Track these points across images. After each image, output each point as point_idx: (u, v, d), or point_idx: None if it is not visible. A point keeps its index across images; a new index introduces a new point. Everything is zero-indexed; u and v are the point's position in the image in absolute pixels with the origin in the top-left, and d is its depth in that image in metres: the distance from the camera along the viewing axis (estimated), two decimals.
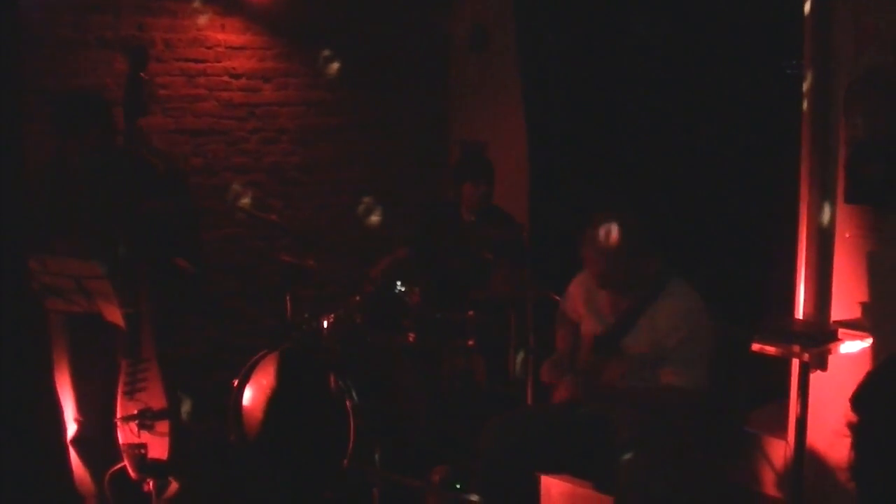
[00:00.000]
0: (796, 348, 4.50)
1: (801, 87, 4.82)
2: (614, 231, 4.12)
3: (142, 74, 4.50)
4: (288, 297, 5.34)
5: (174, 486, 4.48)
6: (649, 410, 4.07)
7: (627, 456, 3.92)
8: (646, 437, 3.96)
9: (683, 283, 4.18)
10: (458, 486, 4.39)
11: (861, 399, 2.00)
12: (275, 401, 5.11)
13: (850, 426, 1.98)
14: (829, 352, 4.58)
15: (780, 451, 4.97)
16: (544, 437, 4.14)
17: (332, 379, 5.03)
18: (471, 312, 5.39)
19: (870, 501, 1.97)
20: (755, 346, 4.46)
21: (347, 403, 4.90)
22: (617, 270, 4.17)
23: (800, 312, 4.87)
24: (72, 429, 4.59)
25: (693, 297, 4.14)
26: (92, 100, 4.82)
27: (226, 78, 6.23)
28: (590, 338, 4.28)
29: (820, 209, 4.76)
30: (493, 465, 4.09)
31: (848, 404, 2.07)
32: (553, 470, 4.31)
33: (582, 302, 4.42)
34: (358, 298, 5.41)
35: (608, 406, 4.15)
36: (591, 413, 4.17)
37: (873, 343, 4.53)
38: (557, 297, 4.79)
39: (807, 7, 4.73)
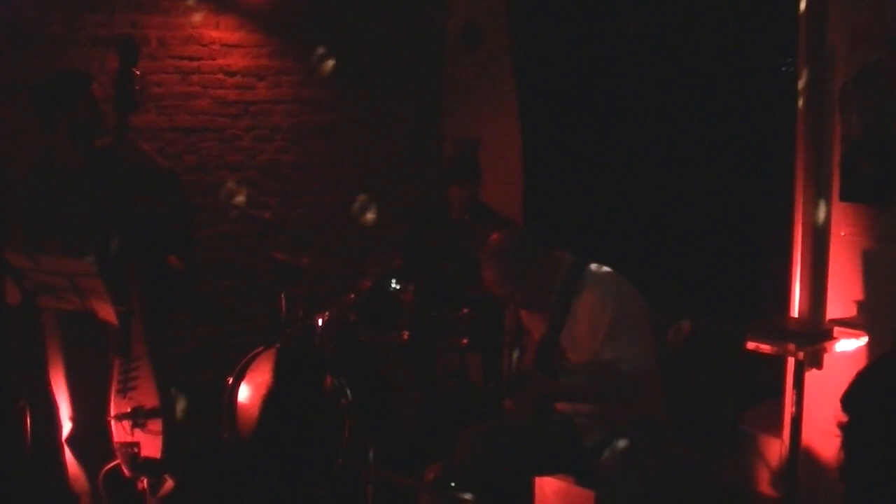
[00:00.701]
0: (791, 346, 4.51)
1: (795, 84, 4.82)
2: (492, 261, 4.06)
3: (132, 69, 4.49)
4: (282, 296, 5.34)
5: (169, 483, 4.47)
6: (603, 401, 4.00)
7: (604, 455, 3.90)
8: (618, 436, 3.92)
9: (597, 271, 4.00)
10: (452, 485, 4.38)
11: (850, 399, 1.99)
12: (269, 399, 5.11)
13: (840, 426, 1.98)
14: (824, 350, 4.58)
15: (774, 449, 4.97)
16: (518, 446, 4.12)
17: (326, 377, 5.03)
18: (465, 310, 5.38)
19: (858, 501, 1.97)
20: (750, 344, 4.45)
21: (341, 401, 4.90)
22: (518, 291, 4.06)
23: (795, 310, 4.87)
24: (67, 427, 4.58)
25: (609, 280, 3.97)
26: (72, 73, 4.80)
27: (220, 76, 6.21)
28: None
29: (815, 207, 4.76)
30: (470, 476, 4.07)
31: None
32: (533, 474, 4.33)
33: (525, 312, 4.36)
34: (352, 296, 5.41)
35: (573, 410, 4.11)
36: (558, 418, 4.15)
37: (868, 341, 4.53)
38: None
39: (801, 5, 4.73)
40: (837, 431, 1.98)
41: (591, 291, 3.93)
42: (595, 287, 3.94)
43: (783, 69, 5.50)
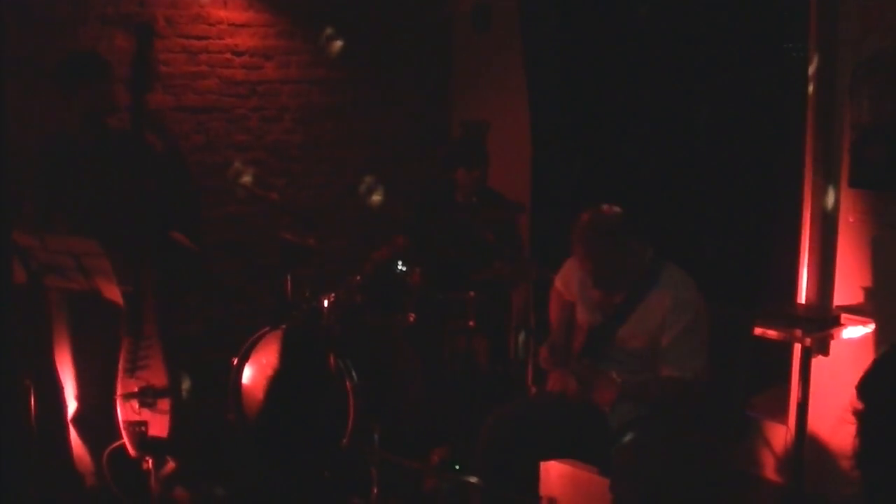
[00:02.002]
0: (798, 333, 4.51)
1: (806, 70, 4.80)
2: (603, 230, 4.04)
3: (149, 52, 4.49)
4: (289, 276, 5.33)
5: (171, 465, 4.49)
6: (650, 403, 4.00)
7: (621, 441, 3.91)
8: (637, 423, 3.93)
9: (676, 272, 4.07)
10: (457, 467, 4.38)
11: (867, 386, 1.98)
12: (274, 380, 5.10)
13: (856, 413, 1.97)
14: (831, 337, 4.58)
15: (780, 435, 4.97)
16: (543, 427, 4.12)
17: (331, 358, 5.02)
18: (472, 293, 5.37)
19: (875, 489, 1.96)
20: (757, 331, 4.45)
21: (347, 383, 4.89)
22: (609, 268, 4.06)
23: (802, 297, 4.86)
24: (72, 407, 4.59)
25: (687, 286, 4.03)
26: (92, 54, 4.87)
27: (228, 55, 6.19)
28: (584, 326, 4.18)
29: (824, 193, 4.74)
30: (494, 458, 4.06)
31: (850, 390, 2.06)
32: (555, 457, 4.32)
33: (576, 284, 4.29)
34: (359, 278, 5.40)
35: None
36: (586, 405, 4.15)
37: (876, 328, 4.53)
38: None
39: None
40: (850, 418, 1.97)
41: (671, 290, 4.00)
42: (676, 288, 4.01)
43: (793, 54, 5.47)
